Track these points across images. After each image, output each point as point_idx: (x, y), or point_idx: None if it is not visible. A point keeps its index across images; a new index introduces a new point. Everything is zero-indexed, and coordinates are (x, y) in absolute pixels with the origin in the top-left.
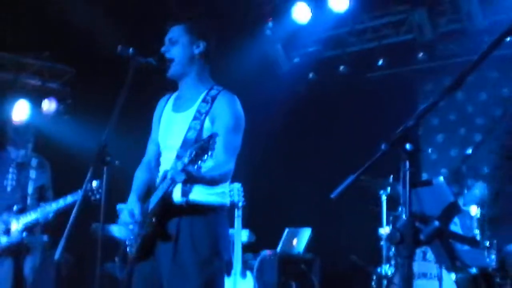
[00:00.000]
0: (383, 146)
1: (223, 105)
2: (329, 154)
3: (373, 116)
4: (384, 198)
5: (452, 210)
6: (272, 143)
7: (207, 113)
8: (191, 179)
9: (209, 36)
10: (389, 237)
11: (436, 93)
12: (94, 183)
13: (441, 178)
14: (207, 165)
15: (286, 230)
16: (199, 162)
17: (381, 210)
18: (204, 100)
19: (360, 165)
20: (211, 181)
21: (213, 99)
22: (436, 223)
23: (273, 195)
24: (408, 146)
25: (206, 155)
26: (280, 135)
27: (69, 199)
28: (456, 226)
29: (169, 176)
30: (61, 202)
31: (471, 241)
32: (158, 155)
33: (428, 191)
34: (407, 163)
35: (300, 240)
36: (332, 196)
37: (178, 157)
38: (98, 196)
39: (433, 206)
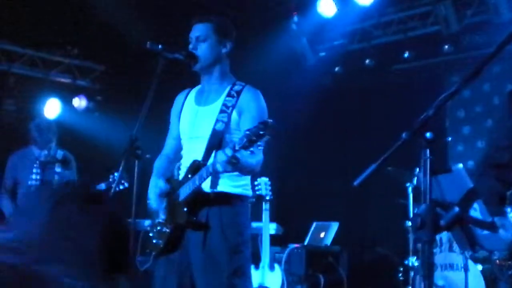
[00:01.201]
0: (404, 135)
1: (249, 98)
2: (356, 148)
3: (400, 108)
4: (410, 190)
5: (472, 196)
6: (299, 137)
7: (233, 106)
8: (236, 165)
9: (233, 35)
10: (411, 223)
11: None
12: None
13: (460, 165)
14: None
15: (314, 224)
16: (252, 147)
17: (408, 202)
18: (229, 95)
19: (386, 159)
20: (249, 168)
21: (238, 93)
22: (456, 209)
23: (301, 189)
24: (428, 134)
25: (261, 141)
26: (307, 128)
27: None
28: (475, 212)
29: (218, 167)
30: None
31: (491, 226)
32: (177, 149)
33: (447, 178)
34: (427, 151)
35: (328, 234)
36: (355, 183)
37: (218, 146)
38: (122, 187)
39: (453, 192)
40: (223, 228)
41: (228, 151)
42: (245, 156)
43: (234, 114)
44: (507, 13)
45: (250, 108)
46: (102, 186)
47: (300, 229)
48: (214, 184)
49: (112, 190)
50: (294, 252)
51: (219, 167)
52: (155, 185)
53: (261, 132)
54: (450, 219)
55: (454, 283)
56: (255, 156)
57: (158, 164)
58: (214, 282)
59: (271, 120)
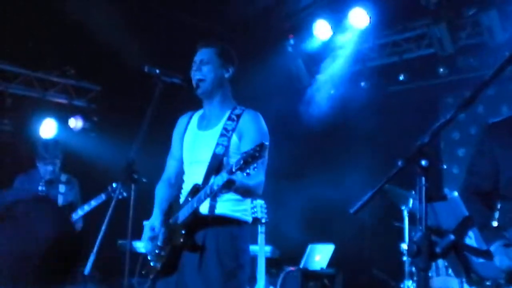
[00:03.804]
0: (399, 163)
1: (249, 122)
2: (351, 170)
3: (395, 130)
4: (406, 213)
5: (467, 223)
6: (294, 159)
7: (233, 130)
8: (232, 187)
9: (236, 62)
10: (407, 250)
11: (453, 108)
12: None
13: (456, 193)
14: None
15: (309, 247)
16: (248, 169)
17: (404, 225)
18: (229, 119)
19: (382, 181)
20: (247, 190)
21: (238, 117)
22: (452, 236)
23: (296, 211)
24: (423, 162)
25: (255, 163)
26: (302, 150)
27: (93, 203)
28: (470, 240)
29: (215, 188)
30: (86, 208)
31: (486, 254)
32: (178, 171)
33: (443, 205)
34: (423, 178)
35: (323, 256)
36: (352, 211)
37: (218, 169)
38: (120, 197)
39: (448, 220)
40: (219, 252)
41: (224, 173)
42: (242, 178)
43: (234, 138)
44: (501, 36)
45: (250, 131)
46: (102, 196)
47: (296, 252)
48: (212, 207)
49: (114, 200)
50: (289, 275)
51: (216, 189)
52: (156, 216)
53: (257, 154)
54: (446, 247)
55: None
56: (253, 178)
57: (160, 192)
58: None
59: (267, 143)
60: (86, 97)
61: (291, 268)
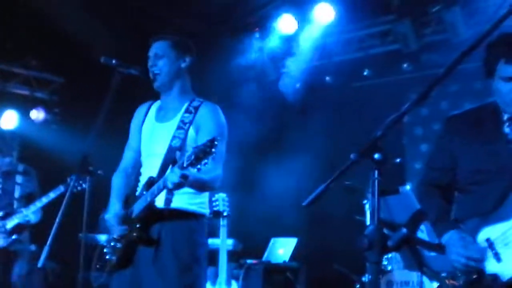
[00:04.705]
0: (352, 156)
1: (206, 114)
2: (314, 164)
3: (359, 125)
4: (367, 207)
5: (419, 217)
6: (257, 152)
7: (190, 122)
8: (185, 183)
9: (193, 51)
10: (358, 244)
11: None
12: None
13: (408, 187)
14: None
15: (272, 240)
16: (199, 165)
17: (365, 219)
18: (187, 111)
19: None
20: (202, 185)
21: (196, 109)
22: (404, 230)
23: (259, 205)
24: (376, 155)
25: (207, 159)
26: (266, 144)
27: (52, 195)
28: (422, 233)
29: (169, 184)
30: (44, 200)
31: (438, 247)
32: (135, 162)
33: (396, 199)
34: (376, 172)
35: (286, 249)
36: (304, 204)
37: (173, 163)
38: (79, 188)
39: (401, 213)
40: (174, 245)
41: (177, 169)
42: (195, 173)
43: (191, 131)
44: (464, 32)
45: (207, 124)
46: (61, 188)
47: (258, 245)
48: (168, 200)
49: (68, 192)
50: (251, 268)
51: (168, 184)
52: (113, 206)
53: (208, 150)
54: (398, 240)
55: None
56: (209, 172)
57: (116, 182)
58: None
59: (219, 138)
60: (48, 89)
61: (254, 262)
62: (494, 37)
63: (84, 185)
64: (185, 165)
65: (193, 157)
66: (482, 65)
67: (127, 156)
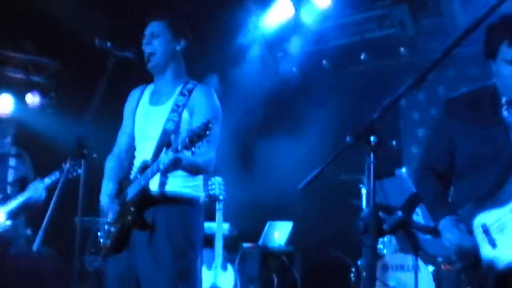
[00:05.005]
0: (348, 139)
1: (200, 97)
2: (311, 149)
3: (356, 109)
4: (364, 191)
5: (414, 200)
6: (254, 137)
7: (184, 105)
8: (179, 165)
9: (188, 34)
10: (355, 227)
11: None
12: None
13: (403, 170)
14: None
15: (268, 224)
16: (194, 148)
17: (361, 203)
18: (181, 94)
19: (340, 160)
20: (196, 168)
21: (190, 92)
22: (399, 213)
23: (255, 188)
24: (372, 138)
25: (201, 142)
26: (262, 128)
27: (47, 181)
28: (418, 216)
29: (161, 166)
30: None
31: (433, 231)
32: (129, 146)
33: (391, 182)
34: (371, 155)
35: (282, 233)
36: (299, 187)
37: (167, 146)
38: (75, 174)
39: (396, 196)
40: (169, 229)
41: (170, 152)
42: (189, 156)
43: (185, 113)
44: (461, 17)
45: (201, 107)
46: (56, 174)
47: (254, 229)
48: (162, 184)
49: (62, 178)
50: (247, 252)
51: (162, 167)
52: (107, 188)
53: (203, 133)
54: (393, 224)
55: (405, 284)
56: (203, 155)
57: (109, 165)
58: (159, 283)
59: (213, 121)
60: (44, 73)
61: (250, 245)
62: (497, 19)
63: (79, 171)
64: (179, 148)
65: (187, 140)
66: (483, 47)
67: (121, 140)
